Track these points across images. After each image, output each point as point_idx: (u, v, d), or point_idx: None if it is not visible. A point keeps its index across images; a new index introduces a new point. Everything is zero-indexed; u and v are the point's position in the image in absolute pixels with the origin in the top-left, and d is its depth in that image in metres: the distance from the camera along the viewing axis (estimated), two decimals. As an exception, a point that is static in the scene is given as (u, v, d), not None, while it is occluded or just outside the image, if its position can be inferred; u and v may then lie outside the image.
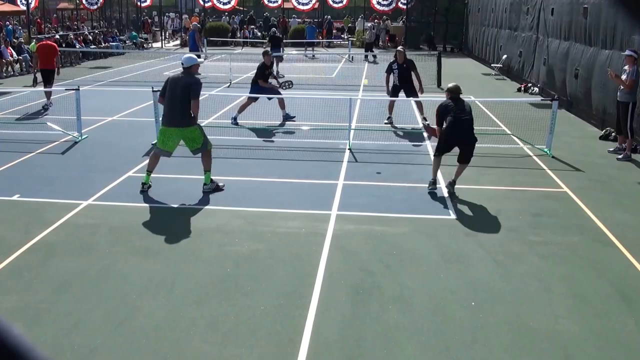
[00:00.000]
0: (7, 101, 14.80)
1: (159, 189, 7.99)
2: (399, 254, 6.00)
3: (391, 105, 12.62)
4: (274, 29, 23.55)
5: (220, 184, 7.96)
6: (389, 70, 12.53)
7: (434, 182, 8.02)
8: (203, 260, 5.81)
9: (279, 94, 12.45)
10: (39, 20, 31.32)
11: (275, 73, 20.07)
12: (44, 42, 14.75)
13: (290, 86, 13.23)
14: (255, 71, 12.36)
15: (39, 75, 14.63)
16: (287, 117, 12.64)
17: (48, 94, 13.84)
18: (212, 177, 7.89)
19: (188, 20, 37.33)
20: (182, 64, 7.78)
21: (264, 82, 12.29)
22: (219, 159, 9.52)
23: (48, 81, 14.00)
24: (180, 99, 7.52)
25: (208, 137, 7.94)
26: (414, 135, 11.39)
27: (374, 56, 25.84)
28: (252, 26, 35.94)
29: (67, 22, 38.48)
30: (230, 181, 8.41)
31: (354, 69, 23.11)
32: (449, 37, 31.15)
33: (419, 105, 12.73)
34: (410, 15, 34.27)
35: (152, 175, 7.86)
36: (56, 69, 14.25)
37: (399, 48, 13.06)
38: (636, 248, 6.19)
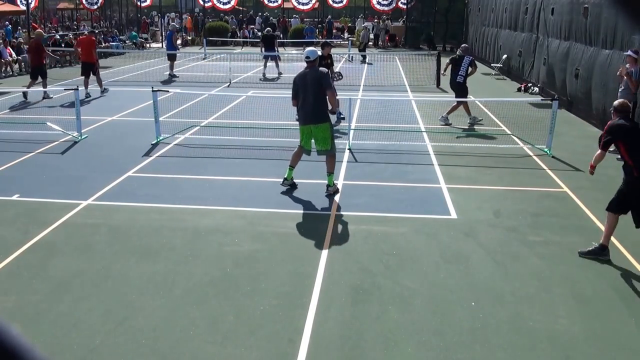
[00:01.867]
0: (7, 101, 14.80)
1: (160, 189, 7.99)
2: (399, 254, 5.99)
3: (466, 107, 12.47)
4: (268, 28, 23.40)
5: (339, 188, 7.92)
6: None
7: (601, 248, 5.90)
8: (203, 260, 5.80)
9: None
10: (34, 24, 31.29)
11: (277, 74, 20.06)
12: (84, 37, 16.73)
13: (340, 78, 13.03)
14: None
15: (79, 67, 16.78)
16: (339, 116, 12.44)
17: (96, 81, 15.96)
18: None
19: (189, 19, 37.34)
20: (308, 57, 7.54)
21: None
22: (219, 159, 9.53)
23: (87, 73, 15.80)
24: (313, 94, 7.44)
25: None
26: (413, 135, 11.39)
27: (364, 56, 25.78)
28: (252, 26, 35.92)
29: (67, 22, 38.51)
30: (231, 181, 8.41)
31: (354, 69, 23.11)
32: (449, 37, 31.13)
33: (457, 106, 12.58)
34: (410, 15, 34.27)
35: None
36: (96, 61, 16.17)
37: (464, 45, 13.23)
38: (636, 248, 6.19)
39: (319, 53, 7.68)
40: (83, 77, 15.97)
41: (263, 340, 4.43)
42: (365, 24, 31.46)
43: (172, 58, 20.22)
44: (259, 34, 34.25)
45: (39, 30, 18.73)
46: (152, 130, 10.62)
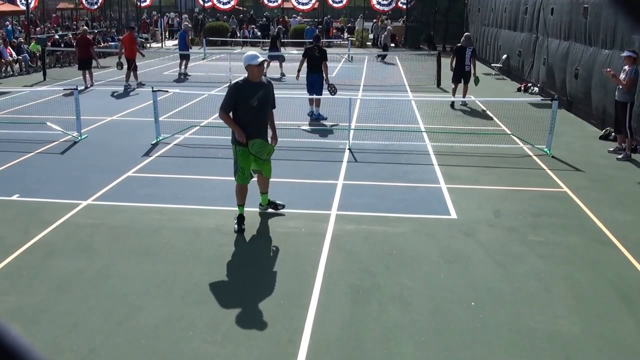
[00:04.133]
0: (7, 101, 14.80)
1: (160, 189, 7.99)
2: (399, 254, 5.99)
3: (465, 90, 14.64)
4: (279, 26, 23.33)
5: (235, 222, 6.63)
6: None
7: None
8: (203, 260, 5.80)
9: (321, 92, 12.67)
10: (25, 22, 31.19)
11: (280, 75, 20.05)
12: (125, 35, 17.99)
13: (333, 92, 12.46)
14: (309, 60, 12.64)
15: (123, 61, 17.60)
16: (318, 117, 12.68)
17: (135, 75, 17.28)
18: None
19: (188, 19, 37.38)
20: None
21: (326, 65, 12.49)
22: (219, 159, 9.53)
23: (131, 66, 17.15)
24: (263, 112, 6.47)
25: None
26: (413, 135, 11.38)
27: (383, 56, 25.33)
28: (252, 26, 35.93)
29: (67, 22, 38.49)
30: (231, 181, 8.40)
31: (354, 69, 23.11)
32: (449, 37, 31.11)
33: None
34: (410, 15, 34.27)
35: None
36: (139, 54, 17.75)
37: (467, 34, 15.42)
38: (636, 248, 6.19)
39: (258, 61, 6.23)
40: (127, 70, 17.22)
41: (263, 340, 4.43)
42: (388, 27, 29.98)
43: (185, 57, 20.38)
44: (259, 34, 34.31)
45: (84, 27, 21.48)
46: (152, 130, 10.62)
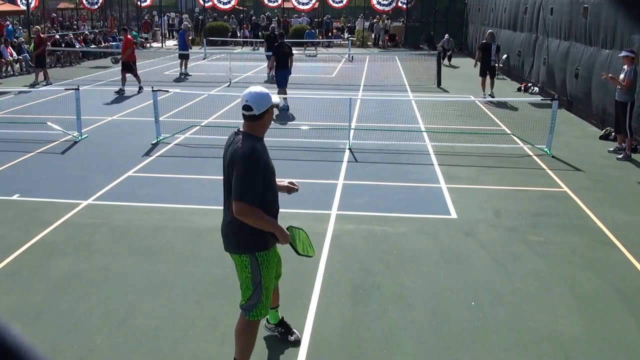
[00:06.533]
0: (7, 101, 14.81)
1: (160, 189, 7.99)
2: (398, 253, 5.99)
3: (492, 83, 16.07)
4: (273, 26, 23.32)
5: None
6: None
7: None
8: (203, 260, 5.80)
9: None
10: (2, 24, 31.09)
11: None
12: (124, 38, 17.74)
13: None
14: (278, 56, 13.39)
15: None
16: (286, 109, 13.42)
17: (138, 79, 16.70)
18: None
19: (188, 19, 37.39)
20: (248, 105, 3.81)
21: (292, 60, 13.70)
22: (219, 159, 9.50)
23: (129, 69, 16.63)
24: (227, 187, 3.79)
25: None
26: (413, 135, 11.38)
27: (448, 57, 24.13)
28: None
29: (67, 21, 38.50)
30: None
31: (354, 68, 23.11)
32: (449, 37, 31.09)
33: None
34: (411, 15, 34.27)
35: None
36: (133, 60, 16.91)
37: (490, 31, 16.92)
38: (636, 248, 6.19)
39: (274, 102, 3.95)
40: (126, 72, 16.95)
41: (263, 340, 4.43)
42: (446, 35, 25.58)
43: (185, 57, 20.43)
44: (259, 34, 34.30)
45: (37, 27, 22.27)
46: (152, 130, 10.63)
